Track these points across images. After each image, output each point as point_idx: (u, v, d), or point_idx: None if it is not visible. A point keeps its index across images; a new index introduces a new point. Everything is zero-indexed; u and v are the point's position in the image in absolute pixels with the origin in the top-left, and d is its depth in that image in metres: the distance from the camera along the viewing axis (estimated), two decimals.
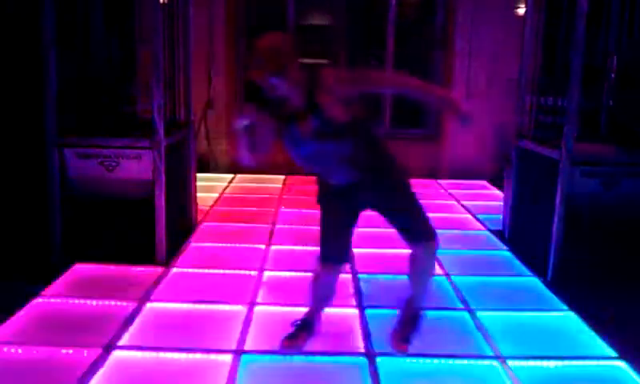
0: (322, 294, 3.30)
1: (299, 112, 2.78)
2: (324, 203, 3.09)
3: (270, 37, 2.74)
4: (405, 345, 3.26)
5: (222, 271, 4.51)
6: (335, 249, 3.11)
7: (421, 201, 3.05)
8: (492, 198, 7.28)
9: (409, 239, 3.06)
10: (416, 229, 3.03)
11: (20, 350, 3.22)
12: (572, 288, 4.31)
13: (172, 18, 5.14)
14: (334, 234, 3.09)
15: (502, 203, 5.87)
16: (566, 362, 3.32)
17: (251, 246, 5.12)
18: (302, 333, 3.34)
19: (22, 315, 3.65)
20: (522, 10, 7.52)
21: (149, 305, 3.87)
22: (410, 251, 3.13)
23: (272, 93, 2.74)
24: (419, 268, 3.17)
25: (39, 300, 3.86)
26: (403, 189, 3.02)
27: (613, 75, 5.21)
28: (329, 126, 2.74)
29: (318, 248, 3.13)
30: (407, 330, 3.31)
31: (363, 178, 2.92)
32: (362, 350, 3.36)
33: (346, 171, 2.90)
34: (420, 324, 3.34)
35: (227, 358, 3.23)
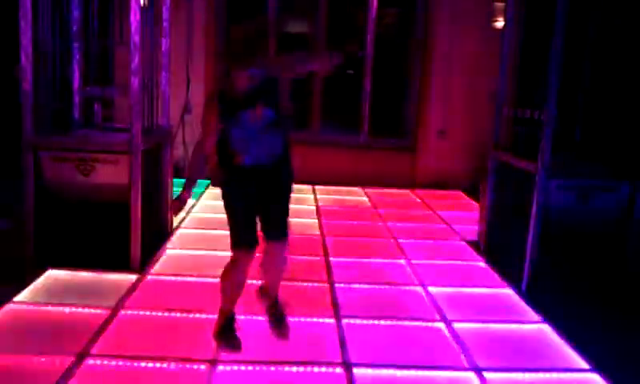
0: (240, 281, 3.39)
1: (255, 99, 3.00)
2: (233, 187, 3.22)
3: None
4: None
5: (197, 278, 4.47)
6: (252, 233, 3.25)
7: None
8: (468, 209, 7.34)
9: (275, 232, 3.31)
10: (285, 226, 3.33)
11: None
12: (547, 300, 4.35)
13: (152, 22, 5.09)
14: (249, 218, 3.25)
15: (477, 214, 5.92)
16: (541, 374, 3.35)
17: (227, 253, 5.05)
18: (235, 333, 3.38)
19: None
20: (500, 24, 7.62)
21: (123, 312, 3.82)
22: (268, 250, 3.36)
23: (249, 83, 2.95)
24: (278, 260, 3.42)
25: (11, 306, 3.79)
26: (290, 190, 3.33)
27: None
28: (277, 114, 3.05)
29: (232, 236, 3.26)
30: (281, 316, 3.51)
31: (273, 165, 3.17)
32: (339, 360, 3.35)
33: (269, 155, 3.13)
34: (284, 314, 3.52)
35: (202, 367, 3.20)
